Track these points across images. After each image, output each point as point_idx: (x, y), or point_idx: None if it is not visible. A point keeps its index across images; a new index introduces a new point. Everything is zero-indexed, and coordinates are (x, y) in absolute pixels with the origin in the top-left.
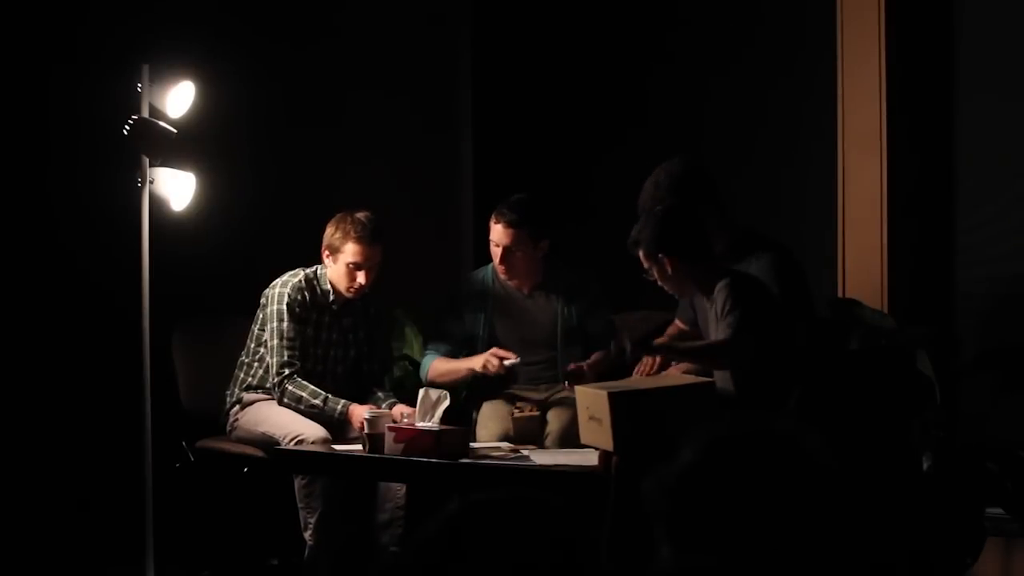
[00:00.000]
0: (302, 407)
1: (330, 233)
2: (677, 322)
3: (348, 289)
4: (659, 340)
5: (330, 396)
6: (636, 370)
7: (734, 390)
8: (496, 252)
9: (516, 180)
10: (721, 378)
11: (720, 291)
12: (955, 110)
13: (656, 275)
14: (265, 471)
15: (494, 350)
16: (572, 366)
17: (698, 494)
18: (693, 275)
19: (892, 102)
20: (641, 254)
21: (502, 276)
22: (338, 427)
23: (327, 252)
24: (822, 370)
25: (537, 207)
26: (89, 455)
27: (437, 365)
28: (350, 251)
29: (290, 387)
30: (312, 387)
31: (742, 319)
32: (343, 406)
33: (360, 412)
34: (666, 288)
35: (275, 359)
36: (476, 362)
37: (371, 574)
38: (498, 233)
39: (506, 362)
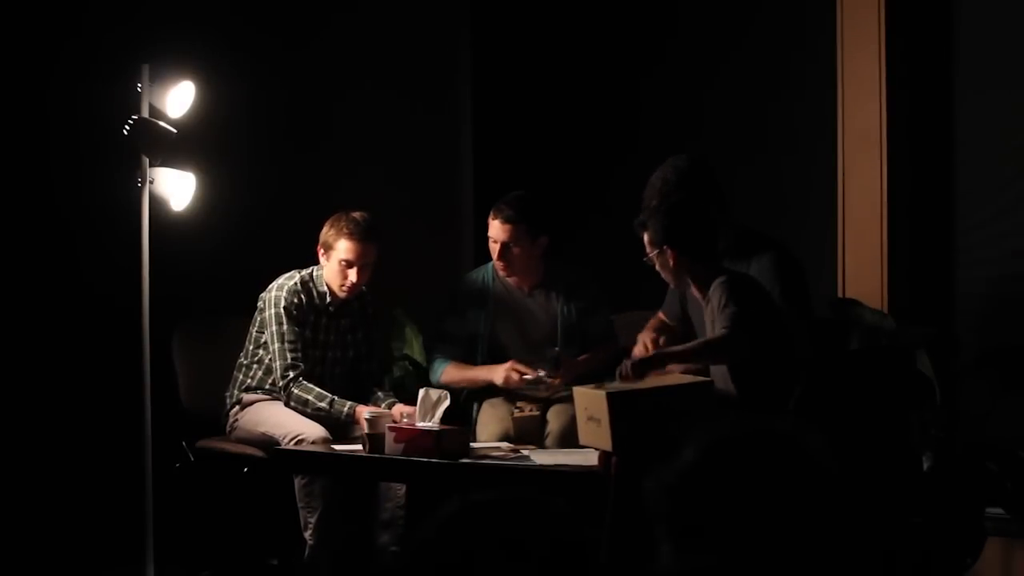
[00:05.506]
0: (308, 410)
1: (325, 231)
2: (660, 315)
3: (340, 287)
4: (652, 352)
5: (336, 398)
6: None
7: (733, 389)
8: (494, 248)
9: (516, 179)
10: (720, 378)
11: (716, 289)
12: (955, 109)
13: (656, 262)
14: (265, 471)
15: (513, 363)
16: (556, 350)
17: (698, 494)
18: (693, 271)
19: (892, 101)
20: (646, 239)
21: (501, 272)
22: (341, 427)
23: (322, 250)
24: (822, 370)
25: (535, 203)
26: (89, 455)
27: (452, 371)
28: (342, 248)
29: (296, 390)
30: (318, 389)
31: (737, 315)
32: (350, 407)
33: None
34: (663, 276)
35: (279, 362)
36: (496, 375)
37: (371, 574)
38: (495, 229)
39: (525, 377)
